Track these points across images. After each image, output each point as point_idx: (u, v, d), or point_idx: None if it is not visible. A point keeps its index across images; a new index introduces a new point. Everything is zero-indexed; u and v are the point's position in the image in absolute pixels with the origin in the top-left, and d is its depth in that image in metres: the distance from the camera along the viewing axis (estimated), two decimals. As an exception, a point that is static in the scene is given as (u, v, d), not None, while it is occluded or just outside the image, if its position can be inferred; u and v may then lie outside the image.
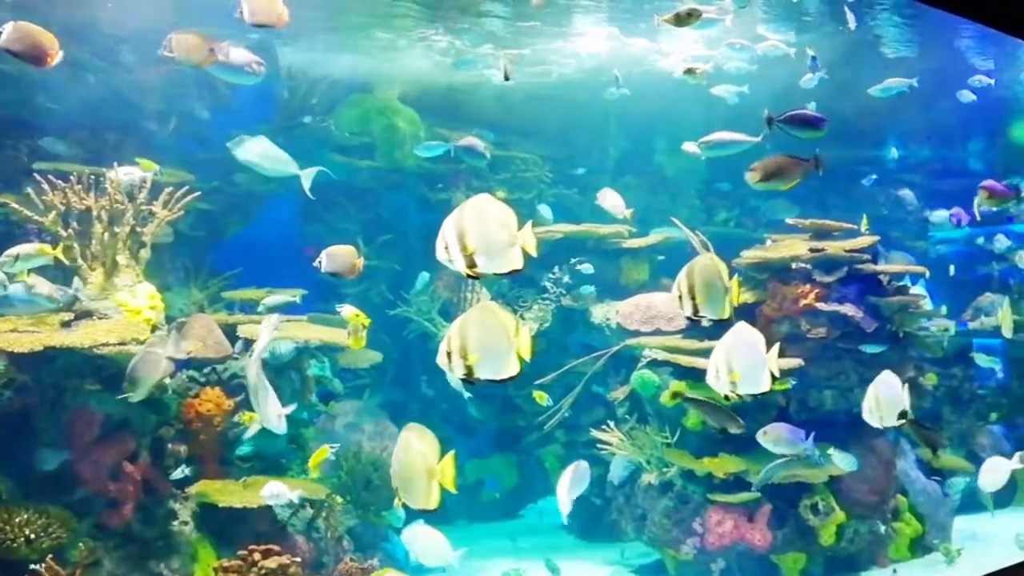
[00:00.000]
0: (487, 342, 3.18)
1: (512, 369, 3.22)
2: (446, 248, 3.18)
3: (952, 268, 10.91)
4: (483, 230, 3.18)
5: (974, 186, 10.87)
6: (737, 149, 6.59)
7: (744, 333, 4.00)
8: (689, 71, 7.06)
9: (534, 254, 3.24)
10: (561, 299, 8.61)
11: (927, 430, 6.32)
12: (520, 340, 3.20)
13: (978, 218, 8.57)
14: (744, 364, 3.88)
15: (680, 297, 3.81)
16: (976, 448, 8.78)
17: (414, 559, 5.87)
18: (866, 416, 4.76)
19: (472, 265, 3.18)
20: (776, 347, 4.03)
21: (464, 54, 9.36)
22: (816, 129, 5.46)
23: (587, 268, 8.51)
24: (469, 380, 3.21)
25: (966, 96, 8.97)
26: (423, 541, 5.66)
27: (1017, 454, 6.02)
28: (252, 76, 5.56)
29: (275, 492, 5.52)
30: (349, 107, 9.38)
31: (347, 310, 5.94)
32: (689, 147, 6.96)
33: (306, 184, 6.16)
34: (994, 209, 7.18)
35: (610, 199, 7.97)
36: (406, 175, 9.42)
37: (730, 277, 3.84)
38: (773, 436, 5.86)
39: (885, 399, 4.70)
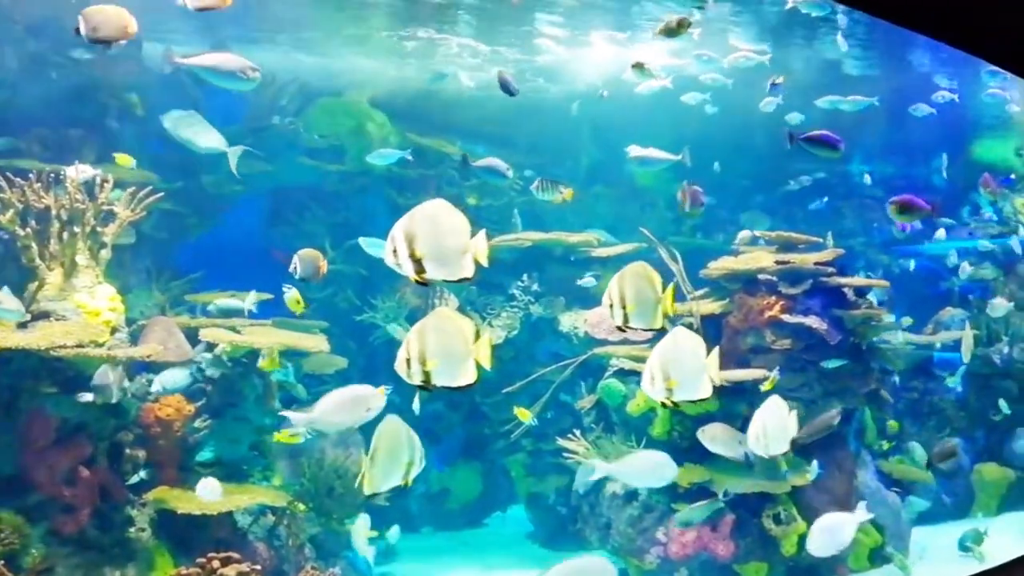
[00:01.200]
0: (445, 348, 3.13)
1: (469, 376, 3.17)
2: (394, 252, 3.11)
3: (912, 263, 11.08)
4: (433, 236, 3.11)
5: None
6: (660, 166, 6.77)
7: (681, 339, 3.83)
8: (638, 65, 7.08)
9: (485, 263, 3.20)
10: (529, 307, 8.61)
11: (941, 455, 6.35)
12: (479, 348, 3.16)
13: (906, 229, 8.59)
14: (681, 371, 3.72)
15: (611, 306, 3.67)
16: (935, 460, 8.91)
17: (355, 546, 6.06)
18: (752, 445, 4.56)
19: (420, 271, 3.12)
20: (715, 352, 3.88)
21: (435, 56, 9.35)
22: (834, 150, 5.62)
23: (589, 281, 8.45)
24: (426, 387, 3.15)
25: (922, 109, 9.11)
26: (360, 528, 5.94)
27: (860, 504, 5.52)
28: (247, 82, 5.50)
29: (210, 487, 5.43)
30: (319, 110, 9.32)
31: (292, 294, 5.93)
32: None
33: (232, 162, 6.11)
34: (908, 224, 7.14)
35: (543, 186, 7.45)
36: (375, 179, 9.37)
37: (663, 287, 3.72)
38: (711, 434, 5.86)
39: (773, 427, 4.48)
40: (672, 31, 6.11)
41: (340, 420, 4.85)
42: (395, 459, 3.55)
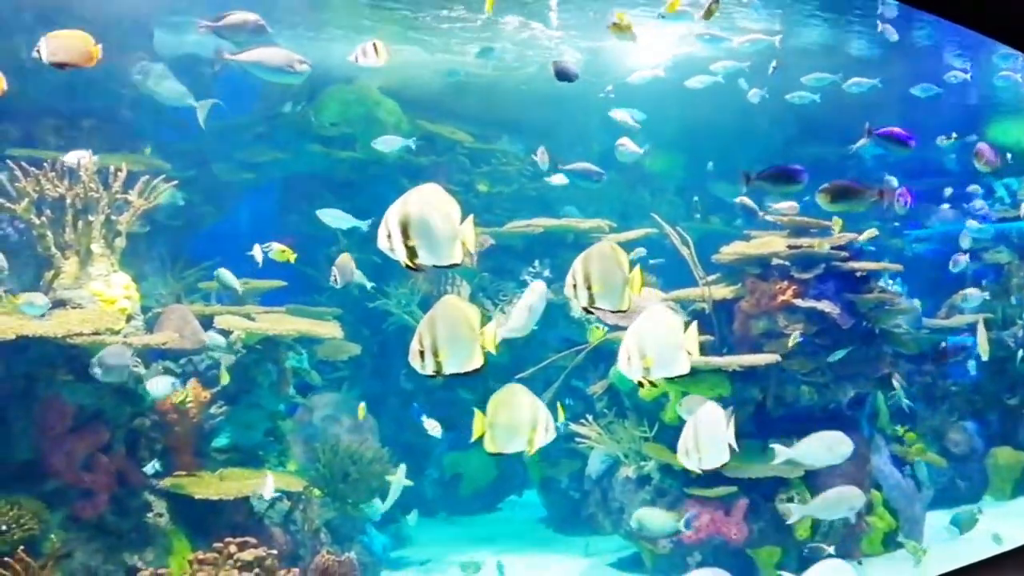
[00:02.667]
0: (453, 337, 3.13)
1: (477, 361, 3.18)
2: (388, 237, 3.08)
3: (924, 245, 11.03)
4: (428, 222, 3.09)
5: (946, 184, 11.06)
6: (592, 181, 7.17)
7: (656, 316, 3.69)
8: (616, 25, 6.89)
9: (472, 250, 3.20)
10: (541, 293, 8.60)
11: None
12: (484, 332, 3.16)
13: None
14: (657, 348, 3.58)
15: (574, 287, 3.46)
16: (949, 444, 8.89)
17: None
18: (682, 459, 4.04)
19: (413, 256, 3.10)
20: (694, 326, 3.74)
21: (445, 42, 9.32)
22: (906, 146, 5.73)
23: (640, 252, 8.32)
24: (437, 376, 3.17)
25: (927, 89, 8.97)
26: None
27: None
28: (295, 75, 5.59)
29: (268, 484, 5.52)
30: (330, 97, 9.32)
31: (275, 247, 5.95)
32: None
33: (201, 116, 6.13)
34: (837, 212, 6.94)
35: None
36: (386, 167, 9.37)
37: (631, 266, 3.53)
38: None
39: (706, 438, 3.97)
40: (709, 14, 6.07)
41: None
42: (515, 424, 3.49)
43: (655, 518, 6.38)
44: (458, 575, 7.02)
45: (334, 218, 6.71)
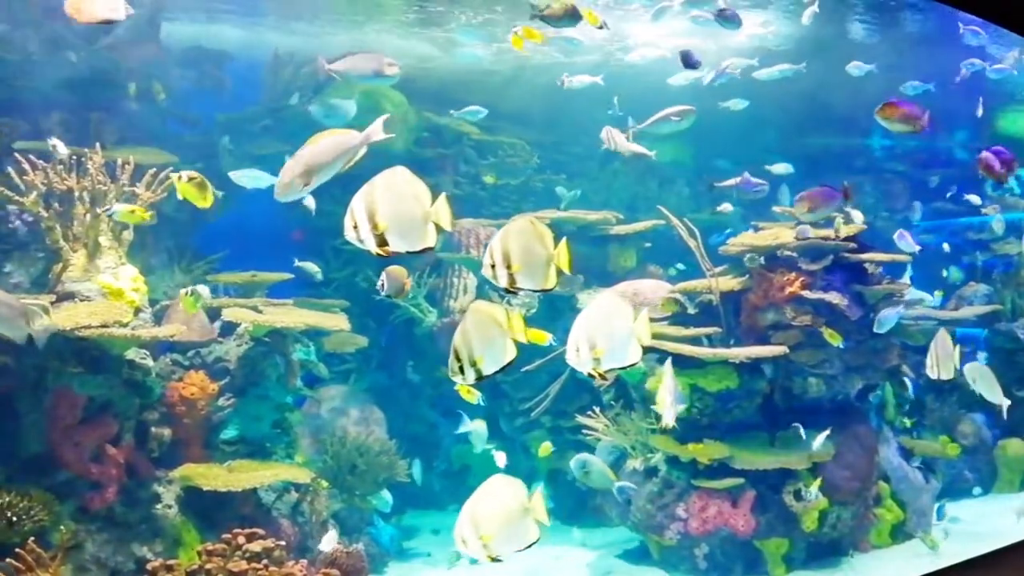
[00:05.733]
0: (488, 342, 3.13)
1: (511, 353, 3.17)
2: (355, 227, 3.03)
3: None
4: (395, 206, 3.02)
5: (956, 176, 10.98)
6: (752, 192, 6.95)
7: (605, 305, 3.54)
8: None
9: (449, 229, 3.13)
10: (548, 285, 8.59)
11: None
12: (513, 326, 3.15)
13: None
14: (607, 338, 3.43)
15: (492, 266, 3.20)
16: (958, 436, 8.86)
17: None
18: (459, 547, 3.28)
19: (383, 243, 3.04)
20: (645, 313, 3.62)
21: (451, 32, 9.30)
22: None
23: (727, 208, 8.10)
24: (480, 379, 3.18)
25: (915, 86, 8.85)
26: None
27: None
28: (388, 77, 5.74)
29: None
30: (335, 89, 9.30)
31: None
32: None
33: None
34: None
35: None
36: (393, 159, 9.31)
37: (556, 242, 3.32)
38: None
39: (495, 524, 3.31)
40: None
41: None
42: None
43: (598, 469, 6.51)
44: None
45: (250, 178, 6.61)
